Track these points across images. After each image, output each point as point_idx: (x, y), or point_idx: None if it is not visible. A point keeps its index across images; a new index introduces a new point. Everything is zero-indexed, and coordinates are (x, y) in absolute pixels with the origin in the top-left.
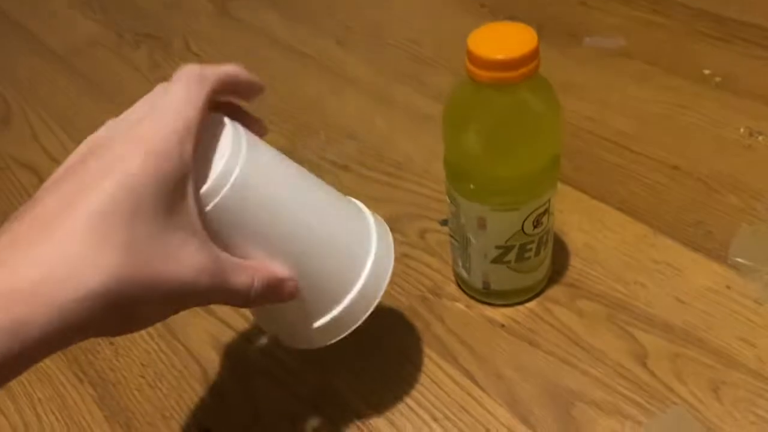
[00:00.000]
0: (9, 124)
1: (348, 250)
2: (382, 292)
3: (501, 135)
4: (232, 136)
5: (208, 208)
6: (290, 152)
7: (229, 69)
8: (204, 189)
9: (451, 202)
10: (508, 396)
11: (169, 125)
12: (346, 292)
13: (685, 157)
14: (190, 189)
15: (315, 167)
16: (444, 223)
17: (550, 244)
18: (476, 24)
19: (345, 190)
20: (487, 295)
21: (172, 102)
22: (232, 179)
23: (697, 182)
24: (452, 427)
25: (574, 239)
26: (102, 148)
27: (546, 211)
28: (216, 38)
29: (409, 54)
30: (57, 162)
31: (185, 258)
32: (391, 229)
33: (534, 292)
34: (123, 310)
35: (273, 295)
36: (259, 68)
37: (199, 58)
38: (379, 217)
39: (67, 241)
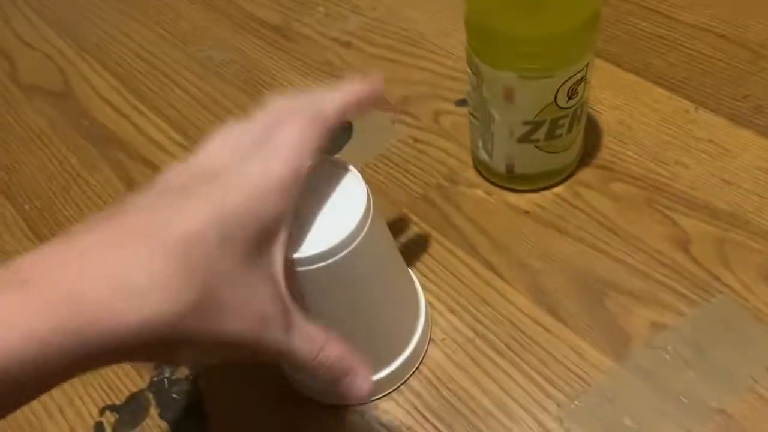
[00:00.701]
0: None
1: (404, 326)
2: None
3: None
4: (363, 206)
5: (304, 269)
6: (285, 27)
7: (355, 93)
8: (309, 252)
9: (472, 72)
10: (534, 287)
11: (276, 171)
12: (394, 358)
13: (733, 23)
14: (282, 237)
15: (314, 45)
16: (460, 103)
17: (584, 120)
18: None
19: (345, 67)
20: (510, 179)
21: (284, 144)
22: (343, 253)
23: (746, 51)
24: (471, 319)
25: (607, 117)
26: (207, 176)
27: (582, 79)
28: None
29: None
30: (29, 46)
31: (257, 304)
32: (402, 112)
33: (563, 176)
34: (174, 342)
35: (333, 377)
36: None
37: None
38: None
39: (149, 260)
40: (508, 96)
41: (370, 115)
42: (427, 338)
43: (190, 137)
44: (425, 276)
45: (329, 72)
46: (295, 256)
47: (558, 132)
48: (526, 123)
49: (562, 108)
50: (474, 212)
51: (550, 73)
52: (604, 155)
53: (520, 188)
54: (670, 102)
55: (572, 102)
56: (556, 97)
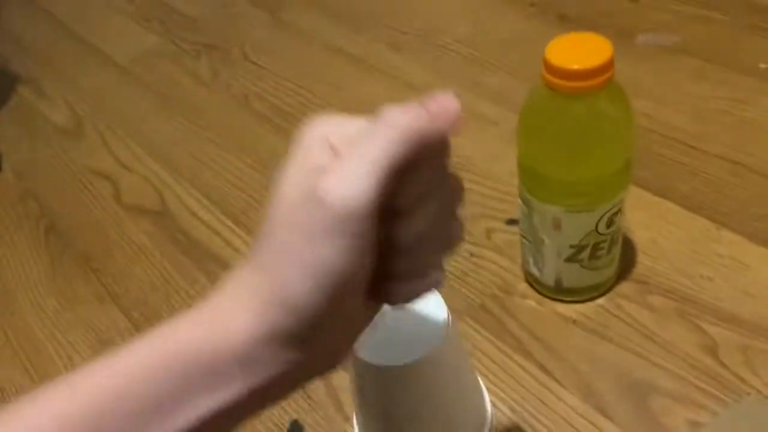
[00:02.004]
0: (82, 136)
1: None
2: None
3: (577, 141)
4: (443, 316)
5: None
6: None
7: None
8: (400, 361)
9: (523, 203)
10: (585, 388)
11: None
12: None
13: (745, 152)
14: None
15: None
16: (510, 222)
17: (620, 242)
18: (526, 23)
19: None
20: (558, 292)
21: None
22: (428, 358)
23: (758, 176)
24: (531, 418)
25: (640, 236)
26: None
27: (618, 211)
28: (272, 46)
29: (463, 56)
30: (128, 170)
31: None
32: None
33: (604, 289)
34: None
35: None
36: (317, 75)
37: (258, 67)
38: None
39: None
40: (556, 225)
41: None
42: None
43: None
44: (487, 377)
45: None
46: (385, 364)
47: (599, 253)
48: (572, 246)
49: (602, 234)
50: (527, 320)
51: (592, 208)
52: (639, 270)
53: (568, 299)
54: (694, 222)
55: (611, 229)
56: (597, 226)
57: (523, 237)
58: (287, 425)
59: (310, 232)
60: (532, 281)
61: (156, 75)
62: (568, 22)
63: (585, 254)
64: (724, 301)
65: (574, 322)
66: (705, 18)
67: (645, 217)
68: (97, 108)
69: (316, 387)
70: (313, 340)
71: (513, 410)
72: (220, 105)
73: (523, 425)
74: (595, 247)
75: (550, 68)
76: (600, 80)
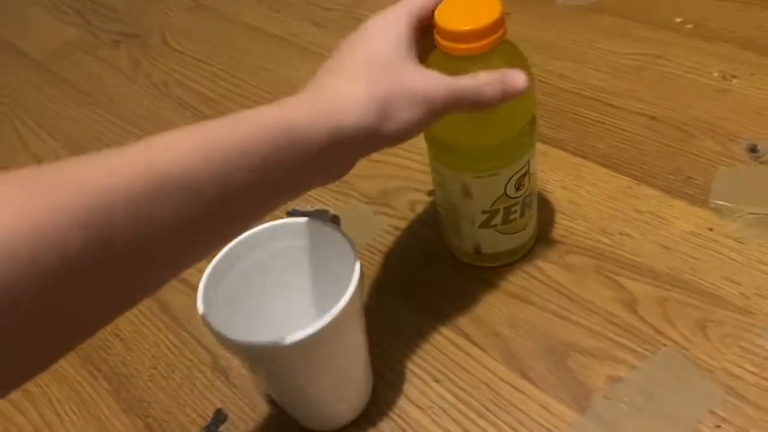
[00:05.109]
0: None
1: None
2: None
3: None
4: (352, 287)
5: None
6: None
7: None
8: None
9: (435, 173)
10: (506, 352)
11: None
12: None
13: (661, 106)
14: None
15: None
16: (432, 193)
17: (534, 206)
18: None
19: None
20: (478, 258)
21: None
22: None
23: (674, 130)
24: (454, 386)
25: (558, 197)
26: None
27: (527, 174)
28: (193, 31)
29: None
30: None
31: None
32: (381, 204)
33: (523, 252)
34: (386, 108)
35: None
36: (239, 57)
37: (179, 53)
38: None
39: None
40: (466, 192)
41: (353, 208)
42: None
43: None
44: (410, 349)
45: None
46: (284, 339)
47: (512, 217)
48: (484, 212)
49: (512, 198)
50: (450, 289)
51: (498, 171)
52: (558, 230)
53: (489, 264)
54: (613, 180)
55: (521, 192)
56: (506, 189)
57: (440, 207)
58: (212, 414)
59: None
60: (454, 250)
61: (75, 68)
62: None
63: (498, 219)
64: (642, 255)
65: (497, 287)
66: None
67: (564, 178)
68: (14, 106)
69: (240, 375)
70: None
71: (436, 379)
72: (142, 95)
73: (446, 394)
74: (508, 210)
75: (440, 31)
76: (491, 40)
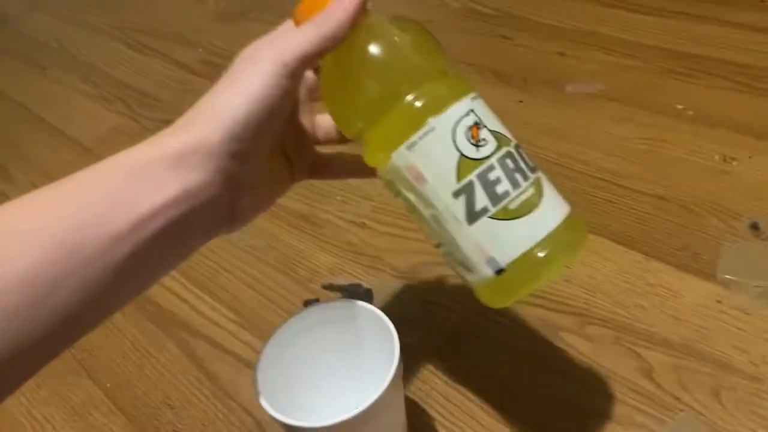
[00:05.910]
0: None
1: None
2: None
3: (372, 80)
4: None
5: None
6: (311, 215)
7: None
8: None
9: (388, 189)
10: (531, 419)
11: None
12: None
13: (667, 187)
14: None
15: (335, 227)
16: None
17: (539, 174)
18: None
19: (363, 245)
20: (504, 284)
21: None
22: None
23: (680, 209)
24: None
25: (578, 272)
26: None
27: (476, 124)
28: None
29: None
30: None
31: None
32: (410, 278)
33: (565, 256)
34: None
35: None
36: None
37: None
38: None
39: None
40: (417, 176)
41: (384, 281)
42: None
43: (241, 313)
44: (442, 416)
45: (350, 249)
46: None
47: (500, 190)
48: (456, 194)
49: (476, 159)
50: (479, 362)
51: (424, 125)
52: (578, 303)
53: (522, 290)
54: (626, 255)
55: (485, 150)
56: (458, 148)
57: (437, 245)
58: None
59: (247, 69)
60: (479, 295)
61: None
62: (502, 76)
63: (482, 198)
64: (656, 326)
65: (523, 357)
66: (626, 66)
67: (582, 255)
68: None
69: None
70: (237, 156)
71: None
72: None
73: None
74: (486, 181)
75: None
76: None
